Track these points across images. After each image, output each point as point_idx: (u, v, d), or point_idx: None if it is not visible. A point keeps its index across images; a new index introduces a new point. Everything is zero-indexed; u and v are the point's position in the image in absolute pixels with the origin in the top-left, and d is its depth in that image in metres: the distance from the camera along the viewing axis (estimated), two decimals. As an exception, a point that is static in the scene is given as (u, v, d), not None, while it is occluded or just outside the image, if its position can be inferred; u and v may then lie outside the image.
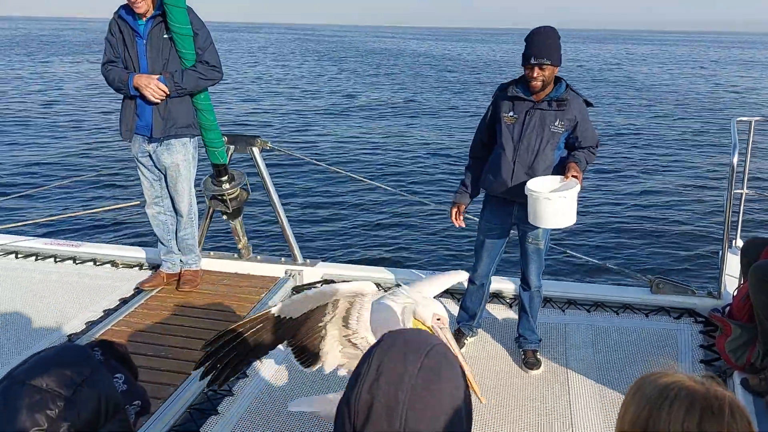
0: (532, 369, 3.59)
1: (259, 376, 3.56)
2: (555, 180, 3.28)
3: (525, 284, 3.69)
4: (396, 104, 17.02)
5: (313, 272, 4.71)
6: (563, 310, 4.22)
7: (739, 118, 4.47)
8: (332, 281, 4.63)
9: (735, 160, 3.91)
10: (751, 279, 3.16)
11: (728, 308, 3.56)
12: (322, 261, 4.92)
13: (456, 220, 3.65)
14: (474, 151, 3.64)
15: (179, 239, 4.41)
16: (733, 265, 4.07)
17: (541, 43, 3.19)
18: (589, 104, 3.40)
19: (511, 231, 3.64)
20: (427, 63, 26.34)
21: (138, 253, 4.96)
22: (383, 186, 6.28)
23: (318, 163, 6.93)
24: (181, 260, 4.48)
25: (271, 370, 3.62)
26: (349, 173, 6.54)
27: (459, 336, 3.80)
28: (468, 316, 3.82)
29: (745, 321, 3.31)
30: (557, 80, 3.33)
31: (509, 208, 3.50)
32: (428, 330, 2.34)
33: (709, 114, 14.64)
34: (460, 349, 3.73)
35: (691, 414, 1.10)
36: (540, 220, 3.18)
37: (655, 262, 6.98)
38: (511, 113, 3.35)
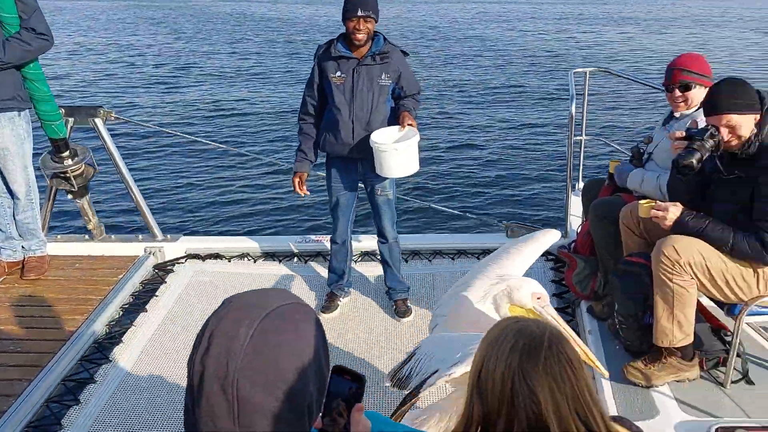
0: (403, 317, 3.77)
1: (121, 363, 3.38)
2: (394, 130, 3.43)
3: (382, 237, 3.82)
4: (243, 69, 16.49)
5: (175, 248, 4.51)
6: (430, 261, 4.38)
7: (575, 70, 4.79)
8: (198, 255, 4.47)
9: (573, 108, 4.21)
10: (590, 216, 3.46)
11: (573, 245, 3.88)
12: (184, 235, 4.72)
13: (299, 189, 3.65)
14: (305, 116, 3.61)
15: (19, 223, 4.01)
16: (576, 205, 4.42)
17: None
18: (405, 54, 3.58)
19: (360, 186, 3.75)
20: (272, 27, 25.66)
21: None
22: (240, 151, 6.10)
23: (170, 131, 6.58)
24: (23, 246, 4.10)
25: (133, 355, 3.44)
26: (203, 140, 6.28)
27: (332, 298, 3.87)
28: (337, 276, 3.89)
29: (587, 255, 3.63)
30: (375, 35, 3.45)
31: (353, 165, 3.60)
32: (530, 314, 2.14)
33: (551, 66, 15.64)
34: (334, 311, 3.80)
35: (514, 351, 1.18)
36: (389, 171, 3.35)
37: (509, 209, 7.44)
38: (338, 73, 3.41)
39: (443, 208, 6.07)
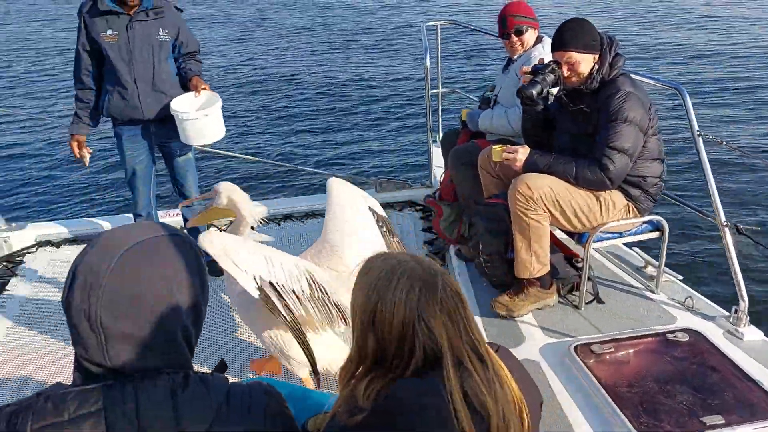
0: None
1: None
2: (191, 96, 3.34)
3: (186, 199, 3.60)
4: (58, 39, 15.19)
5: (23, 236, 4.15)
6: (303, 221, 4.37)
7: (427, 24, 4.90)
8: (49, 242, 4.14)
9: (428, 62, 4.32)
10: (450, 163, 3.61)
11: (438, 193, 4.04)
12: (33, 222, 4.35)
13: (78, 153, 3.44)
14: (78, 82, 3.37)
15: None
16: (438, 156, 4.59)
17: None
18: (180, 10, 3.46)
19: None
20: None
21: None
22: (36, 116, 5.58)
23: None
24: None
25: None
26: (35, 115, 5.74)
27: None
28: None
29: (451, 201, 3.79)
30: None
31: (146, 129, 3.45)
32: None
33: (400, 22, 15.84)
34: None
35: (411, 294, 1.23)
36: (195, 140, 3.29)
37: (378, 166, 7.55)
38: (109, 31, 3.20)
39: (307, 169, 6.05)
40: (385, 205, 4.51)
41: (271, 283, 2.17)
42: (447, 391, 1.18)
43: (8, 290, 3.67)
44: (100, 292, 1.01)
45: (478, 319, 3.08)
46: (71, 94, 3.60)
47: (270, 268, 2.20)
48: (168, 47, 3.32)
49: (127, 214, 4.27)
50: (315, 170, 6.36)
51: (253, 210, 2.57)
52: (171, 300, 1.05)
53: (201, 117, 3.20)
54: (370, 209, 2.78)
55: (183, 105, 3.27)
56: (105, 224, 4.30)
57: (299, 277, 2.25)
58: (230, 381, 1.14)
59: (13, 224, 4.23)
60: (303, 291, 2.22)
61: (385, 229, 2.79)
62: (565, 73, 2.88)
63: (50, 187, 7.13)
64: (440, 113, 5.27)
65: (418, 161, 7.34)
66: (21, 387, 2.91)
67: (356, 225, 2.63)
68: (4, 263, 3.96)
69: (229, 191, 2.57)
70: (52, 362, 3.05)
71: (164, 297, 1.04)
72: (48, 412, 0.97)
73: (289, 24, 16.12)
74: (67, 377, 2.72)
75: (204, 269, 1.14)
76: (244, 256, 2.18)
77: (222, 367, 1.21)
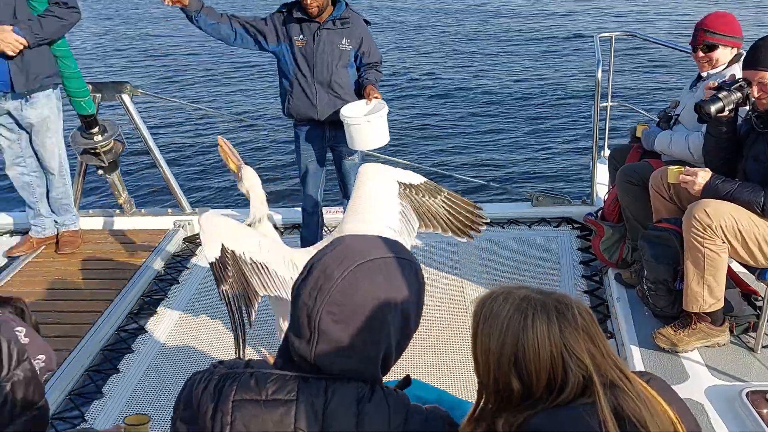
0: None
1: (156, 333, 3.47)
2: (362, 104, 3.50)
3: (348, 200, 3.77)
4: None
5: (203, 220, 4.57)
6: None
7: (601, 35, 4.71)
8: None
9: (599, 74, 4.16)
10: (618, 182, 3.43)
11: (600, 212, 3.86)
12: (212, 208, 4.78)
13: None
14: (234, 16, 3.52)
15: (52, 199, 4.11)
16: (602, 173, 4.38)
17: None
18: (367, 23, 3.62)
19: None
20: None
21: (5, 219, 4.59)
22: (259, 124, 6.08)
23: (197, 106, 6.63)
24: (56, 221, 4.19)
25: (169, 325, 3.53)
26: (229, 114, 6.30)
27: None
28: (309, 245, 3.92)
29: (615, 222, 3.61)
30: (337, 0, 3.48)
31: (320, 130, 3.65)
32: None
33: (572, 32, 15.34)
34: None
35: (552, 323, 1.17)
36: (360, 144, 3.44)
37: (534, 178, 7.38)
38: (301, 36, 3.45)
39: (465, 177, 6.04)
40: (540, 221, 4.41)
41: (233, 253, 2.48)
42: (599, 414, 1.12)
43: (188, 267, 4.08)
44: (328, 297, 1.07)
45: (635, 350, 2.91)
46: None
47: (241, 243, 2.51)
48: (348, 56, 3.51)
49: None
50: (469, 178, 6.34)
51: (256, 209, 2.75)
52: (386, 320, 1.09)
53: (364, 123, 3.35)
54: (404, 185, 2.83)
55: (351, 111, 3.44)
56: (276, 215, 4.61)
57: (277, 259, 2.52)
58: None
59: (196, 209, 4.68)
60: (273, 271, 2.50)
61: (427, 197, 2.90)
62: (756, 93, 2.62)
63: (227, 179, 7.79)
64: (607, 128, 5.04)
65: (579, 176, 7.07)
66: (198, 346, 3.24)
67: (369, 215, 2.73)
68: (187, 243, 4.39)
69: (249, 181, 2.77)
70: (219, 329, 3.36)
71: (381, 316, 1.09)
72: (250, 387, 1.06)
73: (453, 31, 16.24)
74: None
75: (422, 298, 1.18)
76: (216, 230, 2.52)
77: (406, 382, 1.25)
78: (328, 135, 3.66)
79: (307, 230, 3.88)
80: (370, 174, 2.85)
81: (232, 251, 2.51)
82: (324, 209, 4.19)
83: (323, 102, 3.51)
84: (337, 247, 1.13)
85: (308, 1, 3.31)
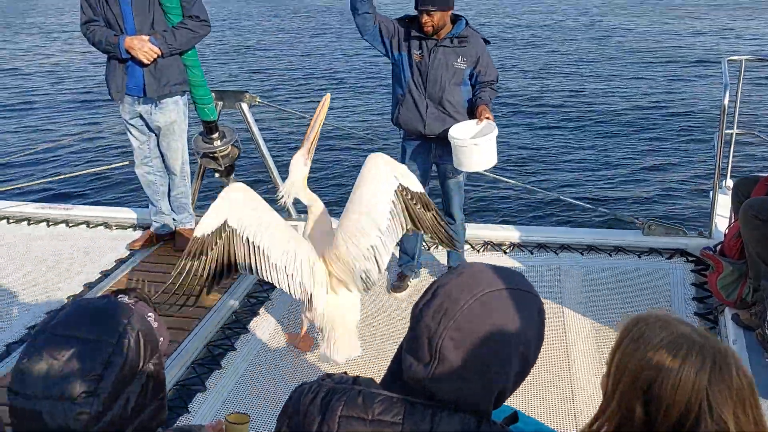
0: None
1: (258, 333, 3.60)
2: (472, 124, 3.46)
3: (450, 218, 3.84)
4: (383, 63, 16.76)
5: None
6: (557, 253, 4.26)
7: (729, 58, 4.45)
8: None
9: (726, 99, 3.91)
10: (742, 216, 3.20)
11: (719, 246, 3.61)
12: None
13: None
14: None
15: (172, 198, 4.39)
16: (723, 204, 4.12)
17: None
18: (486, 42, 3.59)
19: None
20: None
21: (130, 214, 4.94)
22: (369, 137, 6.16)
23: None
24: (174, 219, 4.47)
25: (269, 327, 3.65)
26: (343, 128, 6.45)
27: (402, 278, 3.95)
28: (408, 257, 3.95)
29: (735, 258, 3.37)
30: (457, 18, 3.48)
31: (427, 145, 3.67)
32: None
33: (698, 54, 14.55)
34: (404, 291, 3.90)
35: (704, 370, 1.11)
36: (468, 166, 3.41)
37: (646, 205, 7.04)
38: (419, 51, 3.48)
39: (572, 200, 5.86)
40: (651, 251, 4.19)
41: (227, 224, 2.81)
42: None
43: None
44: (452, 322, 1.05)
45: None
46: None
47: (247, 221, 2.81)
48: (463, 75, 3.51)
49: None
50: (575, 200, 6.14)
51: (287, 184, 3.06)
52: (508, 352, 1.06)
53: (471, 146, 3.32)
54: (402, 187, 2.92)
55: (460, 131, 3.42)
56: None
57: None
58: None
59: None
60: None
61: (419, 207, 2.98)
62: None
63: (334, 186, 7.99)
64: (731, 157, 4.72)
65: (697, 207, 6.67)
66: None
67: (361, 207, 2.87)
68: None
69: (294, 174, 3.03)
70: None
71: (504, 347, 1.06)
72: (357, 405, 1.07)
73: (568, 50, 15.87)
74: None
75: (543, 334, 1.14)
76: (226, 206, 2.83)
77: (513, 418, 1.22)
78: (435, 151, 3.68)
79: (407, 241, 3.86)
80: (374, 165, 2.93)
81: (232, 229, 2.83)
82: None
83: (432, 117, 3.54)
84: (463, 273, 1.11)
85: (425, 20, 3.37)
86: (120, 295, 1.42)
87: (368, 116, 10.96)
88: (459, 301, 1.06)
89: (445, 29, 3.45)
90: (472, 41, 3.49)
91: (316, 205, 3.12)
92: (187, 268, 2.87)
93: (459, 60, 3.47)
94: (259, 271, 2.87)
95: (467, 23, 3.52)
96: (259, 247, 2.82)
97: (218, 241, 2.82)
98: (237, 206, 2.84)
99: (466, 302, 1.05)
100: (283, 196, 3.07)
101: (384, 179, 2.90)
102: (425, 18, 3.36)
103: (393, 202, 2.91)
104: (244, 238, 2.82)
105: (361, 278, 2.94)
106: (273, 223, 2.90)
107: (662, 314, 1.22)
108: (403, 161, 3.78)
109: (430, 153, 3.70)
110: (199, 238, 2.83)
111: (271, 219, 2.91)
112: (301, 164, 3.06)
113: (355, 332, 3.14)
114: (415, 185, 2.99)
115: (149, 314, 1.40)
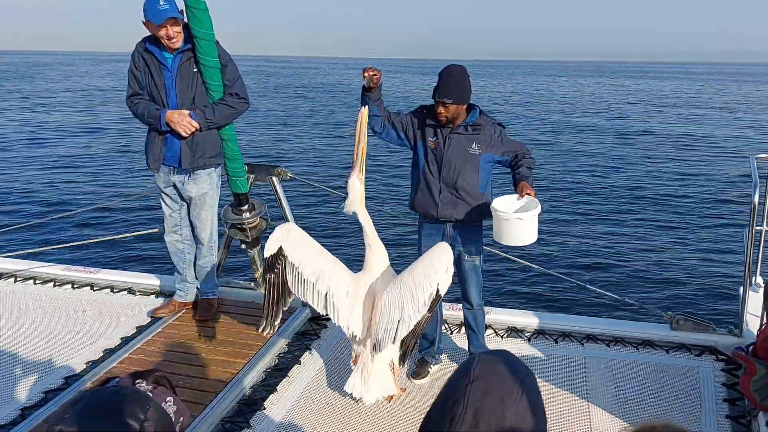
0: None
1: (274, 412, 3.52)
2: (513, 199, 3.47)
3: (467, 303, 3.81)
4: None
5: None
6: (582, 344, 4.16)
7: (758, 155, 4.45)
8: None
9: (756, 197, 3.89)
10: (775, 317, 3.12)
11: (752, 347, 3.50)
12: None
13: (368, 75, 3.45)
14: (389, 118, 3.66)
15: (198, 267, 4.43)
16: (754, 302, 4.02)
17: (444, 83, 3.42)
18: (501, 126, 3.65)
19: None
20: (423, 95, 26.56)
21: (154, 281, 4.98)
22: (393, 214, 6.19)
23: (337, 192, 6.96)
24: (198, 288, 4.49)
25: (286, 406, 3.57)
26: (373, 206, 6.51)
27: (423, 364, 3.87)
28: (428, 342, 3.89)
29: (769, 360, 3.25)
30: (472, 108, 3.58)
31: (441, 228, 3.69)
32: None
33: (729, 151, 14.59)
34: (425, 377, 3.86)
35: None
36: (506, 239, 3.37)
37: (674, 299, 6.89)
38: (434, 138, 3.56)
39: (599, 290, 5.76)
40: (680, 346, 4.08)
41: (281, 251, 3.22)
42: None
43: (310, 349, 4.15)
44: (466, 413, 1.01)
45: None
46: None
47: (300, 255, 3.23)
48: (478, 160, 3.56)
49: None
50: (602, 290, 6.04)
51: (347, 203, 3.27)
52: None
53: (514, 219, 3.31)
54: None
55: (503, 205, 3.42)
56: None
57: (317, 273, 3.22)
58: None
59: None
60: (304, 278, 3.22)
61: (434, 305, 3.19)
62: None
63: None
64: (761, 254, 4.64)
65: (726, 303, 6.51)
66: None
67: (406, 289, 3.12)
68: (311, 323, 4.51)
69: (352, 193, 3.26)
70: (337, 418, 3.34)
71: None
72: None
73: (602, 142, 16.08)
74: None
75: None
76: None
77: None
78: (450, 233, 3.69)
79: (428, 328, 3.79)
80: (443, 252, 3.16)
81: (286, 256, 3.21)
82: (444, 304, 4.16)
83: (445, 201, 3.58)
84: (485, 379, 1.07)
85: (440, 111, 3.46)
86: (138, 380, 1.38)
87: (388, 196, 11.09)
88: (506, 418, 1.02)
89: (460, 118, 3.53)
90: (485, 128, 3.56)
91: (375, 245, 3.37)
92: (270, 280, 3.26)
93: (473, 146, 3.53)
94: (303, 296, 3.26)
95: (481, 112, 3.60)
96: (307, 280, 3.24)
97: (278, 265, 3.24)
98: (290, 239, 3.26)
99: (511, 414, 1.02)
100: (348, 209, 3.31)
101: (441, 270, 3.12)
102: (441, 109, 3.44)
103: (431, 294, 3.08)
104: (297, 268, 3.24)
105: (377, 338, 3.16)
106: (320, 261, 3.27)
107: (671, 427, 1.16)
108: (419, 243, 3.80)
109: (445, 235, 3.71)
110: (268, 258, 3.23)
111: (317, 253, 3.29)
112: (357, 184, 3.24)
113: (389, 374, 3.29)
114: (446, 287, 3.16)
115: (168, 398, 1.36)
